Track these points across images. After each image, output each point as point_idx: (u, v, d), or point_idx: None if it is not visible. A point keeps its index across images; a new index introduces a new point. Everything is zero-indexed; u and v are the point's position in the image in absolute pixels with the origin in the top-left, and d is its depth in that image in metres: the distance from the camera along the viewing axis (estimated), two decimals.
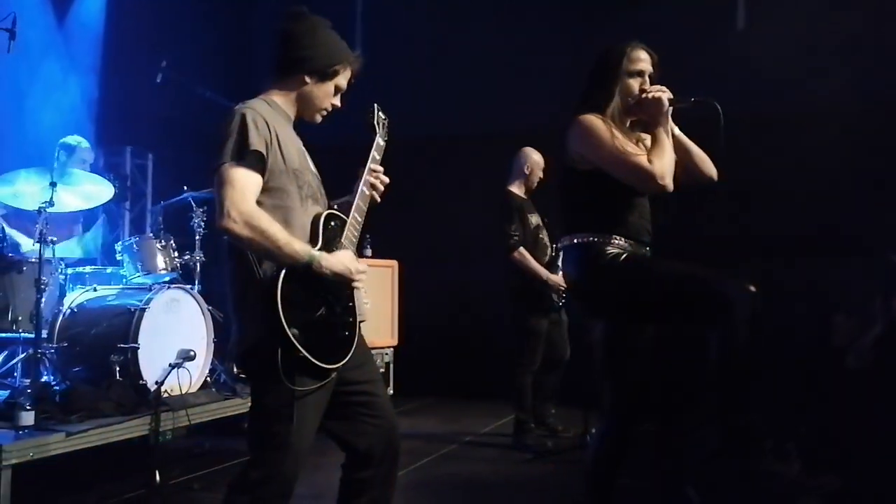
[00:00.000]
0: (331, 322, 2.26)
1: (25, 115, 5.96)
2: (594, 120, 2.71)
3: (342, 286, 2.29)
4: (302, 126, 2.48)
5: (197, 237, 5.04)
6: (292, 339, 2.12)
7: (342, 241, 2.34)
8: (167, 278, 4.82)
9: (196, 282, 4.97)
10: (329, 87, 2.41)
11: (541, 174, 5.15)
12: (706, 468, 3.56)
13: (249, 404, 2.35)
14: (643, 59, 2.78)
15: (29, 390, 3.80)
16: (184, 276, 4.98)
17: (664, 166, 2.64)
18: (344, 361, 2.27)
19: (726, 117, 2.69)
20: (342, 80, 2.44)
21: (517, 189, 5.14)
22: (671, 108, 2.73)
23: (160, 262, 4.79)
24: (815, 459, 3.73)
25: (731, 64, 6.03)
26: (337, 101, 2.47)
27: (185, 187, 5.14)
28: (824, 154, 5.61)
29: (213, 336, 4.70)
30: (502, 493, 4.11)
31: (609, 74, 2.79)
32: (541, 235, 5.07)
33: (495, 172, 5.44)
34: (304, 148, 2.45)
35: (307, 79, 2.38)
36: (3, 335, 4.29)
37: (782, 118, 6.03)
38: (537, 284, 4.91)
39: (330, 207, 2.44)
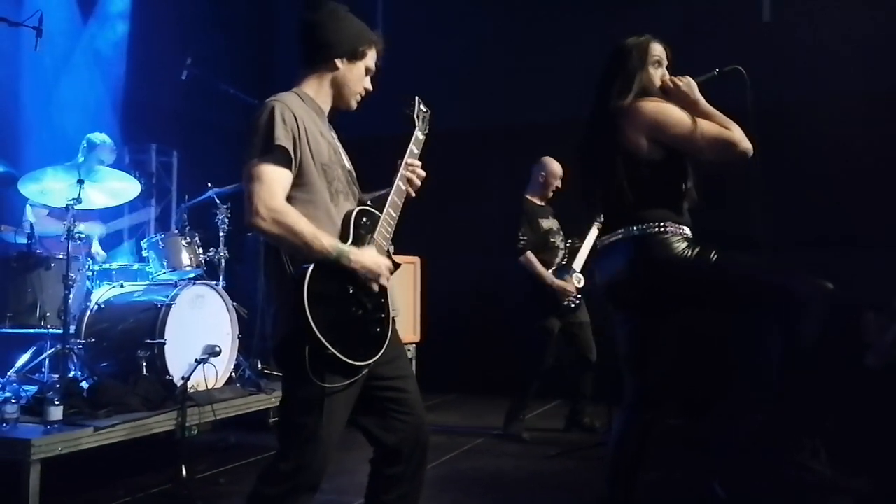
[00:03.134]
0: (362, 318, 2.25)
1: (52, 112, 6.02)
2: (659, 103, 2.70)
3: (372, 282, 2.26)
4: (335, 118, 2.47)
5: (221, 234, 5.07)
6: (320, 336, 2.11)
7: (374, 237, 2.32)
8: (192, 275, 4.85)
9: (220, 278, 4.99)
10: (360, 68, 2.40)
11: (558, 183, 5.27)
12: (735, 464, 3.52)
13: (280, 397, 2.35)
14: (662, 51, 2.84)
15: (57, 385, 3.83)
16: (208, 272, 5.01)
17: (739, 131, 2.64)
18: (375, 358, 2.26)
19: (753, 108, 2.67)
20: (370, 61, 2.42)
21: (532, 195, 5.31)
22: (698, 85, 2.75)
23: (185, 258, 4.82)
24: (844, 458, 3.68)
25: (757, 56, 5.97)
26: (369, 84, 2.45)
27: (210, 184, 5.17)
28: (847, 145, 5.55)
29: (237, 332, 4.73)
30: (526, 488, 4.10)
31: (633, 66, 2.78)
32: (552, 239, 5.21)
33: (517, 167, 5.45)
34: (338, 143, 2.44)
35: (338, 63, 2.37)
36: (32, 331, 4.33)
37: (809, 109, 5.95)
38: (546, 287, 5.04)
39: (363, 203, 2.42)
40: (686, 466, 4.09)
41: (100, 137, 5.09)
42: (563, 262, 5.18)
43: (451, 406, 6.47)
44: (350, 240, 2.26)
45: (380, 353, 2.27)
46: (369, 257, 2.24)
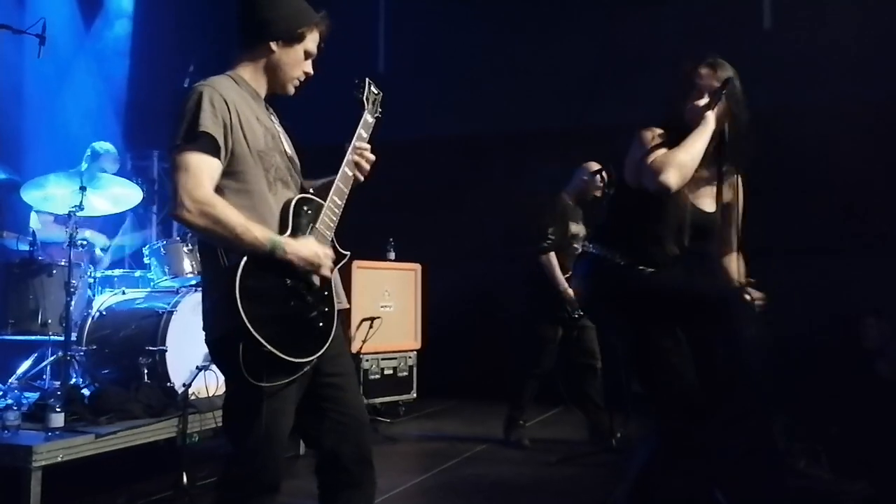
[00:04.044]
0: (302, 313, 2.11)
1: (55, 119, 6.05)
2: (646, 131, 2.67)
3: (311, 273, 2.14)
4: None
5: None
6: (254, 333, 1.98)
7: (317, 226, 2.19)
8: (194, 281, 4.85)
9: None
10: (298, 52, 2.25)
11: (597, 193, 5.04)
12: (735, 471, 3.52)
13: (224, 398, 2.24)
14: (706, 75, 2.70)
15: (58, 392, 3.84)
16: None
17: (667, 160, 2.51)
18: (318, 354, 2.12)
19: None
20: (311, 43, 2.27)
21: (568, 195, 5.14)
22: (710, 111, 2.61)
23: (187, 265, 4.82)
24: (845, 463, 3.68)
25: (758, 62, 5.98)
26: (309, 68, 2.31)
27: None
28: (850, 151, 5.55)
29: (205, 338, 4.71)
30: (528, 495, 4.09)
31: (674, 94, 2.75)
32: (575, 245, 5.01)
33: (518, 173, 5.42)
34: (279, 128, 2.31)
35: (273, 46, 2.23)
36: (33, 338, 4.35)
37: (809, 115, 5.97)
38: (552, 292, 4.92)
39: (304, 191, 2.29)
40: (686, 473, 4.08)
41: (104, 146, 5.11)
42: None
43: (452, 412, 6.46)
44: (289, 230, 2.14)
45: (323, 349, 2.14)
46: (307, 248, 2.11)
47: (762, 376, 2.66)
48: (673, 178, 2.50)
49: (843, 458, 3.71)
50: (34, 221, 4.86)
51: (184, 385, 4.02)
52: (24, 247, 4.42)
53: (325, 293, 2.19)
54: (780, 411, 3.97)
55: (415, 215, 6.67)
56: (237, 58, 2.28)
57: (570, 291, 4.79)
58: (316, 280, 2.16)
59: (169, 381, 4.22)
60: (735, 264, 2.79)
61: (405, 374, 6.14)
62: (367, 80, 2.39)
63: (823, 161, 5.67)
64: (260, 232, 2.06)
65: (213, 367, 4.21)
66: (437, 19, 7.43)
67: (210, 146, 2.07)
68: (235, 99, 2.16)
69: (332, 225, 2.23)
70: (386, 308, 5.94)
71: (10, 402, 3.91)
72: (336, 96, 2.62)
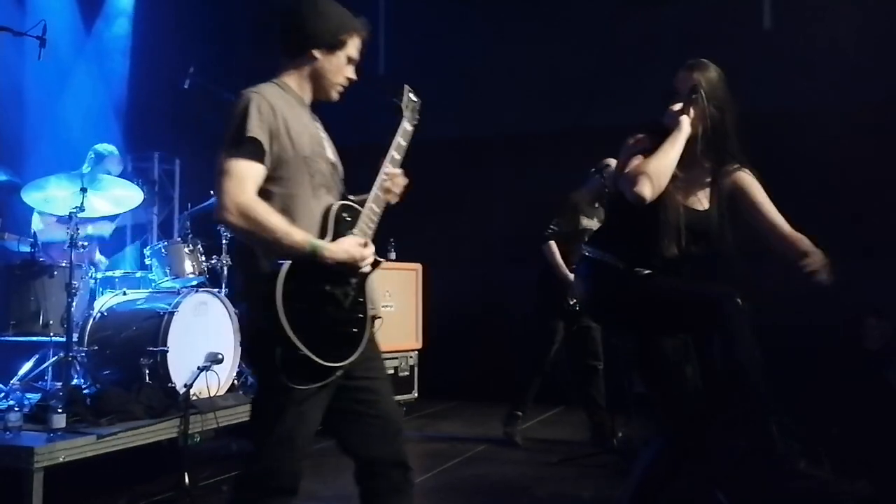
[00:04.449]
0: (338, 318, 2.15)
1: (56, 121, 6.05)
2: (629, 138, 2.70)
3: (350, 279, 2.17)
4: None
5: (223, 241, 5.08)
6: (292, 337, 2.02)
7: (354, 232, 2.22)
8: (195, 282, 4.86)
9: (223, 285, 5.01)
10: (340, 58, 2.31)
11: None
12: (737, 472, 3.52)
13: (253, 396, 2.26)
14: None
15: (60, 393, 3.84)
16: (211, 279, 5.03)
17: (640, 169, 2.52)
18: (351, 360, 2.16)
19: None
20: (352, 49, 2.33)
21: (585, 192, 5.18)
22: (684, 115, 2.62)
23: (188, 266, 4.83)
24: (845, 463, 3.68)
25: (757, 63, 5.99)
26: (352, 73, 2.36)
27: (212, 192, 5.17)
28: (850, 152, 5.55)
29: (240, 339, 4.73)
30: (528, 495, 4.09)
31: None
32: (585, 239, 5.05)
33: (520, 176, 5.42)
34: (323, 134, 2.36)
35: (316, 53, 2.29)
36: (35, 339, 4.35)
37: (808, 116, 5.97)
38: (553, 281, 5.00)
39: (345, 198, 2.33)
40: (688, 475, 4.08)
41: (107, 149, 5.11)
42: None
43: (453, 413, 6.46)
44: (329, 235, 2.18)
45: (355, 355, 2.17)
46: (341, 249, 2.13)
47: (760, 378, 2.66)
48: (647, 188, 2.51)
49: (843, 459, 3.72)
50: (36, 223, 4.87)
51: (185, 386, 4.03)
52: (26, 248, 4.42)
53: (360, 299, 2.22)
54: (780, 411, 3.98)
55: (415, 216, 6.63)
56: (282, 66, 2.34)
57: (570, 276, 4.86)
58: (352, 286, 2.18)
59: (170, 381, 4.23)
60: (797, 237, 2.79)
61: (406, 374, 6.14)
62: (405, 86, 2.43)
63: (823, 161, 5.67)
64: (300, 236, 2.10)
65: (214, 367, 4.24)
66: (437, 21, 7.43)
67: (255, 152, 2.13)
68: (282, 105, 2.22)
69: (369, 232, 2.27)
70: (387, 308, 5.95)
71: (11, 403, 3.92)
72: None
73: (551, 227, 5.05)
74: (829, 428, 4.13)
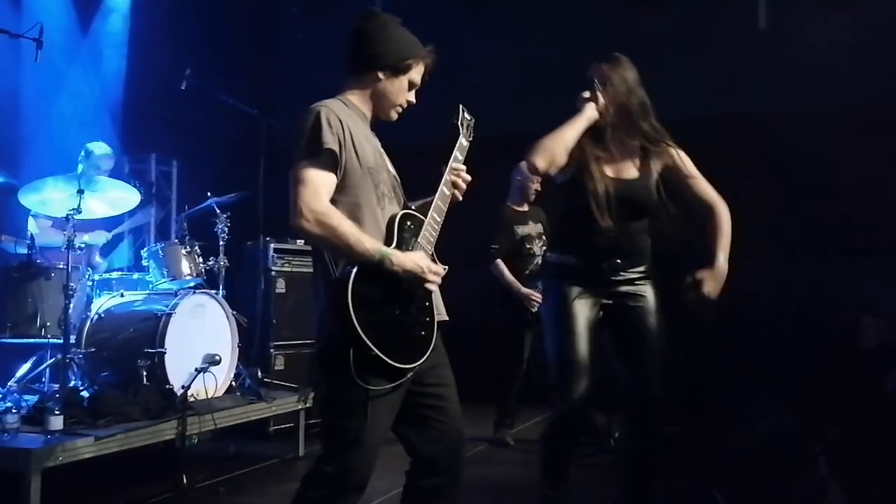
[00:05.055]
0: (406, 321, 2.25)
1: (52, 123, 6.04)
2: None
3: (416, 285, 2.26)
4: (378, 126, 2.49)
5: (221, 243, 5.08)
6: (364, 338, 2.12)
7: (418, 240, 2.33)
8: (192, 284, 4.86)
9: (220, 287, 5.00)
10: (403, 82, 2.43)
11: (536, 185, 5.25)
12: (732, 471, 3.53)
13: (323, 398, 2.33)
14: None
15: (57, 395, 3.84)
16: (208, 281, 5.02)
17: (537, 145, 2.86)
18: (420, 362, 2.26)
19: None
20: (415, 75, 2.46)
21: (512, 202, 5.34)
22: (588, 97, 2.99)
23: (185, 267, 4.82)
24: (841, 461, 3.69)
25: (753, 63, 5.99)
26: (412, 97, 2.48)
27: (209, 193, 5.18)
28: (846, 152, 5.57)
29: (237, 341, 4.74)
30: (526, 495, 4.08)
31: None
32: (528, 246, 5.23)
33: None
34: (381, 147, 2.47)
35: (380, 75, 2.39)
36: (32, 341, 4.34)
37: (804, 116, 5.98)
38: (513, 296, 5.09)
39: (407, 207, 2.43)
40: (686, 475, 4.09)
41: (97, 146, 5.10)
42: (537, 269, 5.06)
43: None
44: (394, 243, 2.27)
45: (424, 358, 2.27)
46: (412, 260, 2.24)
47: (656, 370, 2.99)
48: (539, 158, 2.85)
49: (843, 459, 3.72)
50: (32, 226, 4.86)
51: (182, 387, 4.03)
52: (23, 250, 4.42)
53: (427, 304, 2.32)
54: (779, 412, 3.98)
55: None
56: (346, 84, 2.44)
57: (525, 291, 5.04)
58: (418, 291, 2.27)
59: (168, 383, 4.22)
60: (720, 218, 2.96)
61: None
62: (460, 106, 2.61)
63: (819, 161, 5.68)
64: (370, 243, 2.20)
65: (212, 369, 4.24)
66: (436, 21, 7.42)
67: (329, 162, 2.23)
68: (347, 119, 2.31)
69: (432, 240, 2.37)
70: None
71: (9, 405, 3.90)
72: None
73: (492, 246, 5.14)
74: (828, 428, 4.14)
